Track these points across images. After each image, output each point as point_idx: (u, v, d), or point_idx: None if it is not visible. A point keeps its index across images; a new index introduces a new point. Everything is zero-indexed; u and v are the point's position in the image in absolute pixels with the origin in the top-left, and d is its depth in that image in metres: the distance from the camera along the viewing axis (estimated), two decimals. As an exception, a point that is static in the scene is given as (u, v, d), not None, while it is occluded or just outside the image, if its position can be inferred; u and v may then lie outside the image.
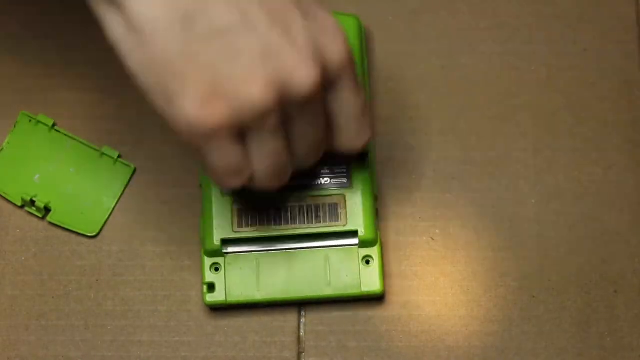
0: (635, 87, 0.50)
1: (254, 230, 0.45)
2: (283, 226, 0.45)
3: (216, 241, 0.45)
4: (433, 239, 0.48)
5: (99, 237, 0.48)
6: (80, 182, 0.49)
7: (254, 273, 0.46)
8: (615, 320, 0.46)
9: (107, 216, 0.49)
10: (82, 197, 0.49)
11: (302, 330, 0.47)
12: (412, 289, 0.47)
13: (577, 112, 0.50)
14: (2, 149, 0.50)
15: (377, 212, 0.47)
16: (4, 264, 0.48)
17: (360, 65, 0.48)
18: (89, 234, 0.48)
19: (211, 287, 0.45)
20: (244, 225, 0.45)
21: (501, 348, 0.46)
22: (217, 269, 0.46)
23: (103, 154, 0.49)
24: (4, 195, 0.49)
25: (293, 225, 0.45)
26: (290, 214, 0.46)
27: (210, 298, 0.45)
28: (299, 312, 0.47)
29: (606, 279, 0.47)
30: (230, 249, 0.46)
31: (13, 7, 0.52)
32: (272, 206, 0.46)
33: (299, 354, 0.47)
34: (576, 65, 0.51)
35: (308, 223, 0.45)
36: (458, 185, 0.49)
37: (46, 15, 0.52)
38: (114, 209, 0.49)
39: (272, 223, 0.45)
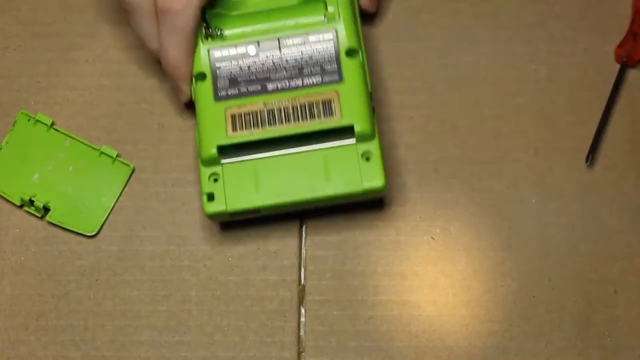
0: (635, 87, 0.50)
1: (248, 134, 0.44)
2: (277, 126, 0.44)
3: (212, 148, 0.44)
4: (433, 239, 0.48)
5: (98, 237, 0.48)
6: (79, 182, 0.49)
7: (252, 180, 0.44)
8: (615, 320, 0.47)
9: (106, 215, 0.48)
10: (81, 196, 0.49)
11: (302, 330, 0.47)
12: (412, 289, 0.47)
13: (577, 112, 0.50)
14: (0, 148, 0.49)
15: (373, 110, 0.46)
16: (3, 263, 0.48)
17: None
18: (88, 234, 0.48)
19: (210, 197, 0.44)
20: (237, 129, 0.44)
21: (501, 348, 0.46)
22: (215, 180, 0.45)
23: (102, 153, 0.49)
24: (2, 194, 0.49)
25: (287, 125, 0.44)
26: (284, 113, 0.44)
27: (210, 208, 0.44)
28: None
29: (606, 279, 0.47)
30: (227, 160, 0.45)
31: (13, 6, 0.52)
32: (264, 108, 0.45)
33: (299, 354, 0.46)
34: (576, 65, 0.51)
35: (302, 121, 0.44)
36: (458, 185, 0.49)
37: (45, 15, 0.52)
38: (113, 208, 0.49)
39: (266, 125, 0.44)
